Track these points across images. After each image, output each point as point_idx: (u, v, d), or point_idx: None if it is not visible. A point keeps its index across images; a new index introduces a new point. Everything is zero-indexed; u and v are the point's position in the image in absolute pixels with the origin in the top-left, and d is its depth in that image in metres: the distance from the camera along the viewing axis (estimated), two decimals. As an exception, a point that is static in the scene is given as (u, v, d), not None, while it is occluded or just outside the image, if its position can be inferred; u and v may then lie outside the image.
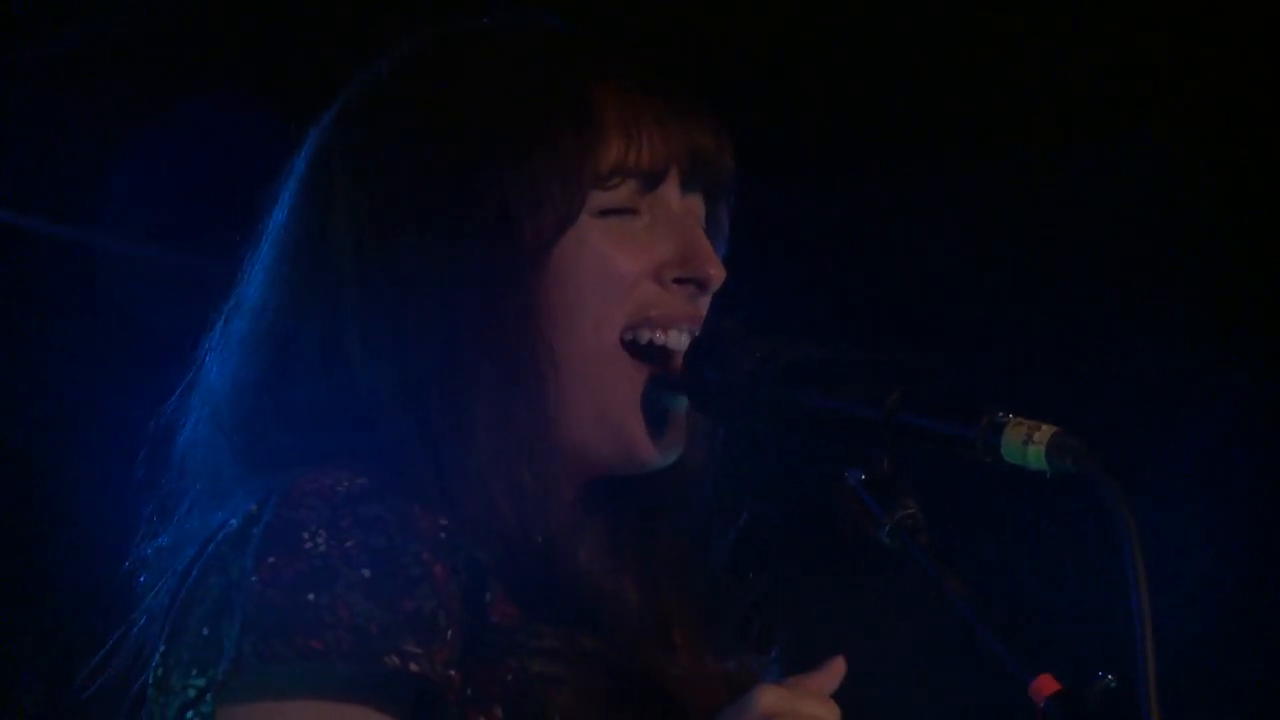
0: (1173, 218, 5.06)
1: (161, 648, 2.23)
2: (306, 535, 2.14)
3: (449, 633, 2.15)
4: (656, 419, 2.36)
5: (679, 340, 2.36)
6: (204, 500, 2.36)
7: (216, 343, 2.41)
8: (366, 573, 2.13)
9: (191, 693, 2.19)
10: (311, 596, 2.11)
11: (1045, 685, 2.08)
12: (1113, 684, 2.07)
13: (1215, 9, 4.67)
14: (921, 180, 5.12)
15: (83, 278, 5.05)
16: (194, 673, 2.19)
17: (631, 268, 2.34)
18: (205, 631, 2.19)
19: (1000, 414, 2.18)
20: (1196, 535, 5.03)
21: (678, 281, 2.36)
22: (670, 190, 2.37)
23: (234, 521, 2.21)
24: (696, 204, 2.41)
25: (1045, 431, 2.14)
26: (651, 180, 2.36)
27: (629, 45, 2.44)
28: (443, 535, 2.18)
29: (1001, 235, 5.17)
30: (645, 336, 2.36)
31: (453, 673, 2.15)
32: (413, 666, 2.12)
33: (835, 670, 2.19)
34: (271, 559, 2.14)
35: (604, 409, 2.33)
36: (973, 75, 4.88)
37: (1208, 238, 5.07)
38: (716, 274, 2.37)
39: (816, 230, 5.20)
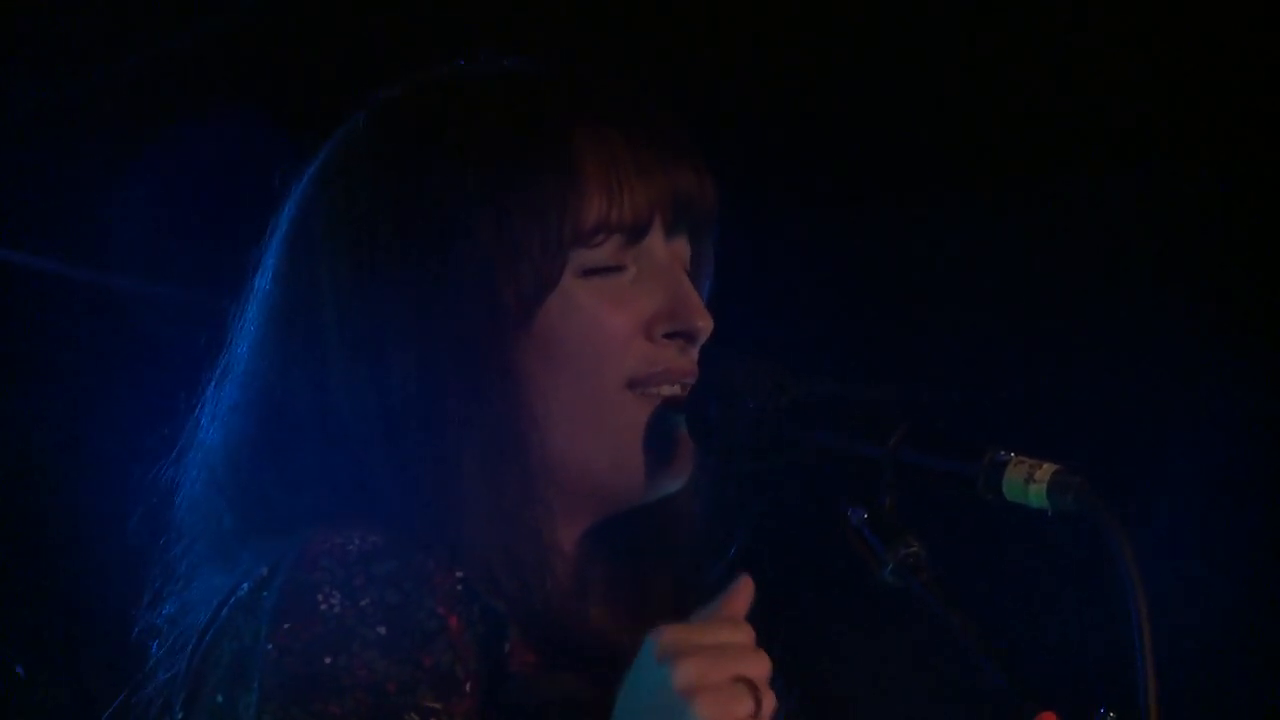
0: (1171, 245, 5.07)
1: (179, 714, 2.21)
2: (321, 597, 2.12)
3: (467, 686, 2.13)
4: (666, 444, 2.34)
5: (673, 393, 2.34)
6: (206, 561, 2.34)
7: (209, 407, 2.40)
8: (383, 630, 2.11)
9: None
10: (329, 660, 2.09)
11: (1048, 722, 2.09)
12: (1114, 720, 2.08)
13: (1220, 38, 4.68)
14: (922, 214, 5.13)
15: (93, 316, 5.06)
16: None
17: (622, 328, 2.31)
18: (219, 699, 2.16)
19: (1002, 452, 2.18)
20: (1199, 570, 5.03)
21: (667, 336, 2.34)
22: (655, 239, 2.34)
23: (245, 586, 2.19)
24: (682, 247, 2.38)
25: (1046, 470, 2.15)
26: (636, 233, 2.32)
27: (605, 83, 2.39)
28: (459, 587, 2.16)
29: (1002, 266, 5.17)
30: (640, 390, 2.33)
31: None
32: None
33: (742, 591, 2.08)
34: (287, 625, 2.11)
35: (614, 446, 2.31)
36: (972, 112, 4.90)
37: (1204, 265, 5.08)
38: (704, 326, 2.34)
39: (820, 265, 5.21)
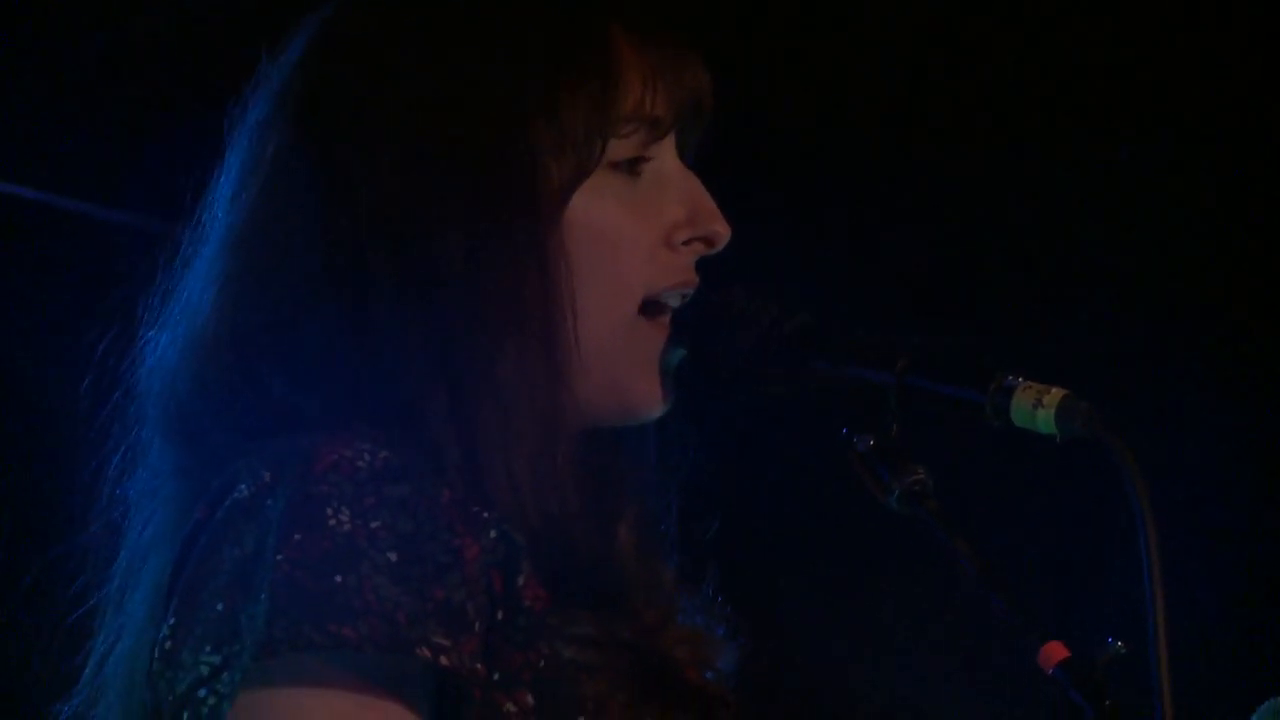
0: (1182, 205, 5.06)
1: (170, 620, 2.12)
2: (330, 511, 2.06)
3: (476, 624, 2.08)
4: (661, 375, 2.32)
5: (678, 301, 2.33)
6: (159, 430, 2.28)
7: (194, 273, 2.32)
8: (393, 556, 2.05)
9: (205, 669, 2.09)
10: (339, 578, 2.04)
11: (1054, 652, 2.07)
12: (1122, 651, 2.06)
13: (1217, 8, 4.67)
14: (932, 161, 5.11)
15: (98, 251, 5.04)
16: (207, 649, 2.09)
17: (645, 237, 2.31)
18: (219, 606, 2.09)
19: (1010, 377, 2.17)
20: (1212, 503, 5.03)
21: (686, 242, 2.33)
22: (668, 143, 2.34)
23: (244, 488, 2.12)
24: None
25: (1055, 395, 2.13)
26: (660, 129, 2.32)
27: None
28: (484, 515, 2.12)
29: (1009, 219, 5.16)
30: (652, 313, 2.32)
31: (479, 666, 2.09)
32: (443, 660, 2.05)
33: None
34: (297, 536, 2.05)
35: (618, 370, 2.30)
36: (986, 58, 4.88)
37: (1216, 222, 5.07)
38: (723, 231, 2.34)
39: (828, 209, 5.19)
